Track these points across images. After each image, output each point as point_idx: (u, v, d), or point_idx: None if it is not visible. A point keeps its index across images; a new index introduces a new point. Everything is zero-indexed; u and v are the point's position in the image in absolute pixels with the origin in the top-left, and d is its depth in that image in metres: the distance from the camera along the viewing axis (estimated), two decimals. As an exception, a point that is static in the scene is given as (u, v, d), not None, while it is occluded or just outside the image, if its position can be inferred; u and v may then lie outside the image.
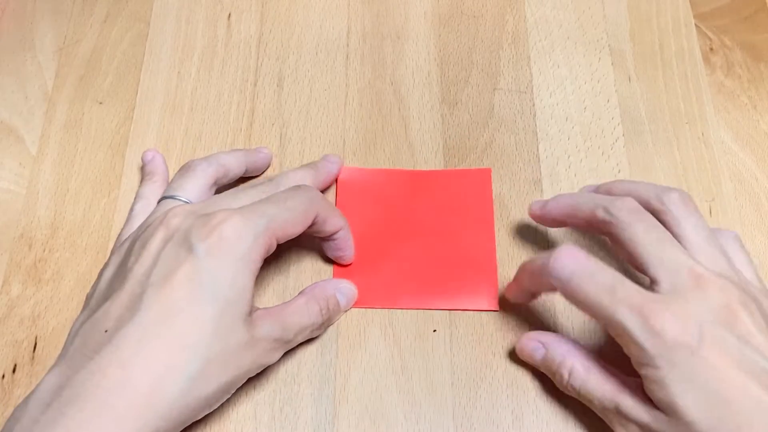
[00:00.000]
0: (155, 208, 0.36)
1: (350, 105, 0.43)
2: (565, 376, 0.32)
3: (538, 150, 0.42)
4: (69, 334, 0.31)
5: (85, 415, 0.27)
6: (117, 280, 0.31)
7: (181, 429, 0.29)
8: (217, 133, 0.42)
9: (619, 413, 0.30)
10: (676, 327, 0.27)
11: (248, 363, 0.31)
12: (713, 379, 0.27)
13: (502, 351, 0.36)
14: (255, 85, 0.44)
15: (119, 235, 0.37)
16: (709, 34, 0.46)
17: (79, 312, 0.37)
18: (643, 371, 0.28)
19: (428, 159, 0.41)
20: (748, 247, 0.39)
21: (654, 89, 0.44)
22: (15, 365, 0.36)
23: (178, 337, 0.28)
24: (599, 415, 0.32)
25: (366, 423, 0.34)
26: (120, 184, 0.41)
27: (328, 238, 0.36)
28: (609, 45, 0.45)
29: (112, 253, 0.34)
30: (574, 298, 0.30)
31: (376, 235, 0.39)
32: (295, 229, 0.33)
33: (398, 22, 0.46)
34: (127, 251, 0.32)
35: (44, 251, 0.39)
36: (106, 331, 0.29)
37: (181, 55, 0.45)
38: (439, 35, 0.46)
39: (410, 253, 0.38)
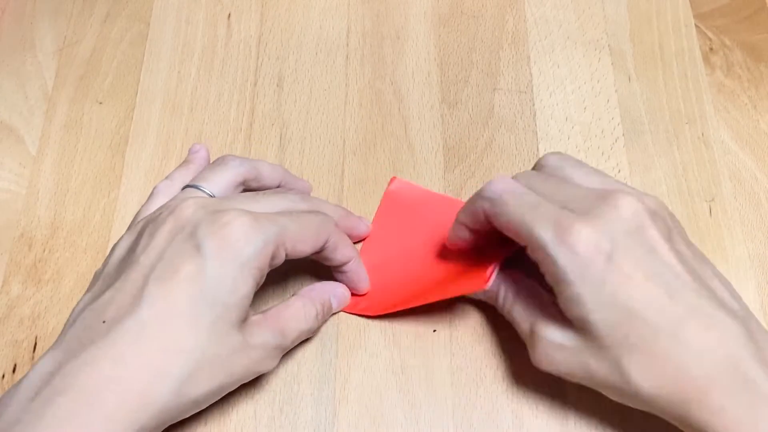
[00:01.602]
0: (176, 195, 0.35)
1: (350, 105, 0.43)
2: (500, 301, 0.34)
3: (538, 150, 0.42)
4: (71, 314, 0.31)
5: (75, 406, 0.26)
6: (124, 264, 0.31)
7: (165, 426, 0.29)
8: (217, 133, 0.42)
9: (533, 334, 0.31)
10: (590, 240, 0.28)
11: (241, 369, 0.30)
12: (623, 291, 0.27)
13: (502, 351, 0.36)
14: (255, 85, 0.44)
15: (139, 210, 0.36)
16: (709, 34, 0.46)
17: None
18: (557, 289, 0.29)
19: (428, 159, 0.41)
20: (748, 246, 0.39)
21: (654, 89, 0.44)
22: (15, 365, 0.36)
23: (174, 340, 0.28)
24: (523, 340, 0.33)
25: (366, 423, 0.34)
26: (120, 184, 0.41)
27: (338, 269, 0.36)
28: (609, 45, 0.45)
29: (128, 229, 0.34)
30: (500, 218, 0.30)
31: (399, 254, 0.38)
32: (305, 246, 0.32)
33: (398, 22, 0.46)
34: (138, 234, 0.32)
35: (44, 251, 0.39)
36: (104, 321, 0.28)
37: (181, 55, 0.45)
38: (439, 35, 0.46)
39: (417, 268, 0.38)
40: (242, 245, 0.29)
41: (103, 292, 0.30)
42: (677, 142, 0.42)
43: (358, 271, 0.36)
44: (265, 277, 0.31)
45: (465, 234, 0.34)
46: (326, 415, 0.35)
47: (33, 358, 0.36)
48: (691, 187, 0.40)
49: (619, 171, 0.41)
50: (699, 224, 0.39)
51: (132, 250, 0.31)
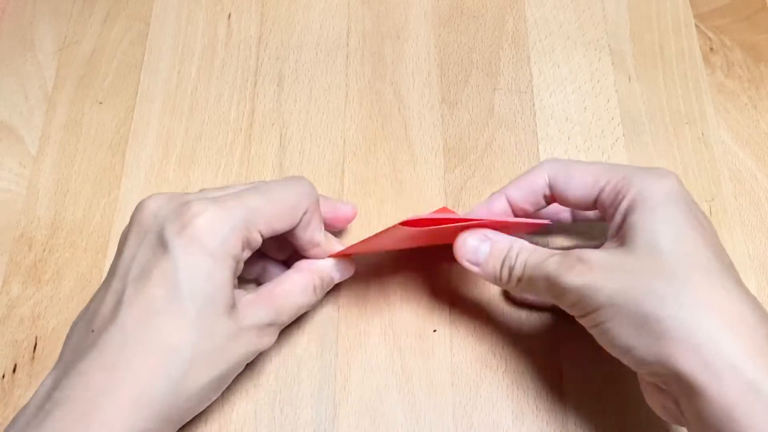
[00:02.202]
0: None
1: (350, 105, 0.43)
2: (513, 257, 0.32)
3: (538, 150, 0.42)
4: (69, 330, 0.31)
5: (72, 417, 0.26)
6: (109, 273, 0.31)
7: (179, 426, 0.29)
8: (217, 133, 0.42)
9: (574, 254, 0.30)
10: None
11: (239, 354, 0.30)
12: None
13: (502, 351, 0.36)
14: (255, 85, 0.44)
15: None
16: (709, 34, 0.46)
17: (78, 312, 0.37)
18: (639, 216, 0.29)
19: (428, 159, 0.41)
20: (748, 246, 0.39)
21: (654, 89, 0.44)
22: (15, 365, 0.36)
23: (159, 339, 0.28)
24: (552, 299, 0.31)
25: (366, 423, 0.34)
26: (120, 184, 0.41)
27: (304, 251, 0.34)
28: (609, 45, 0.45)
29: None
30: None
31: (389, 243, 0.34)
32: (282, 224, 0.31)
33: (398, 22, 0.46)
34: (119, 242, 0.32)
35: (44, 251, 0.39)
36: (92, 331, 0.29)
37: (181, 55, 0.45)
38: (439, 35, 0.46)
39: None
40: (209, 237, 0.29)
41: (91, 303, 0.30)
42: (677, 142, 0.42)
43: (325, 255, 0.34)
44: (243, 262, 0.31)
45: (503, 203, 0.34)
46: (326, 415, 0.34)
47: (33, 358, 0.36)
48: (691, 187, 0.40)
49: (619, 171, 0.41)
50: (699, 224, 0.39)
51: (115, 257, 0.31)
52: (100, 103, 0.43)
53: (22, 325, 0.37)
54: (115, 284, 0.29)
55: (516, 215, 0.35)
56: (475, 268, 0.33)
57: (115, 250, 0.38)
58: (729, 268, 0.29)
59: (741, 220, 0.40)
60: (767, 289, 0.38)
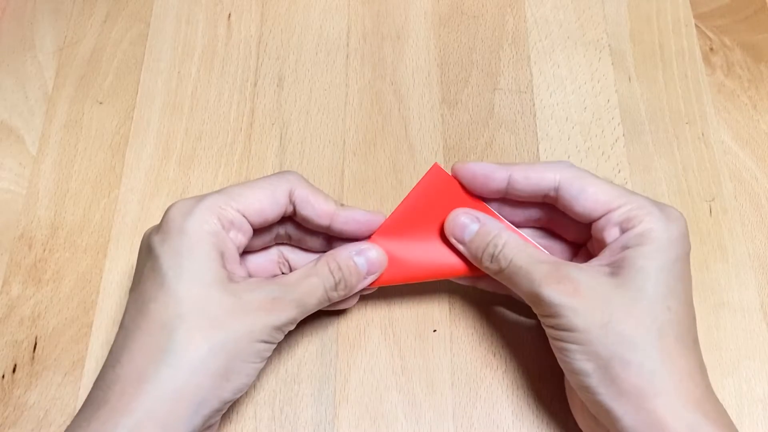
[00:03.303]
0: None
1: (350, 105, 0.43)
2: (499, 245, 0.32)
3: (538, 150, 0.42)
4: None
5: (84, 414, 0.28)
6: None
7: (204, 411, 0.28)
8: (217, 133, 0.42)
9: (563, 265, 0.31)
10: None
11: (244, 325, 0.29)
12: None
13: (502, 351, 0.36)
14: (255, 85, 0.44)
15: None
16: (709, 34, 0.46)
17: (78, 312, 0.37)
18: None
19: (428, 159, 0.41)
20: (748, 246, 0.39)
21: (654, 89, 0.44)
22: (15, 365, 0.36)
23: (150, 321, 0.28)
24: (524, 297, 0.31)
25: (366, 423, 0.34)
26: (120, 184, 0.41)
27: (328, 228, 0.33)
28: (609, 45, 0.45)
29: None
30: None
31: (418, 240, 0.34)
32: (261, 204, 0.31)
33: (398, 22, 0.46)
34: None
35: (44, 251, 0.39)
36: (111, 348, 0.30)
37: (181, 55, 0.45)
38: (439, 35, 0.46)
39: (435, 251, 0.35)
40: (181, 218, 0.30)
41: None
42: (677, 142, 0.42)
43: (354, 219, 0.33)
44: (237, 243, 0.31)
45: (503, 176, 0.33)
46: (326, 415, 0.35)
47: (33, 358, 0.36)
48: (691, 187, 0.40)
49: (619, 171, 0.41)
50: (699, 224, 0.39)
51: None
52: (100, 103, 0.43)
53: (22, 325, 0.37)
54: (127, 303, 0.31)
55: (504, 200, 0.34)
56: (460, 246, 0.33)
57: (116, 250, 0.39)
58: (693, 322, 0.30)
59: (741, 220, 0.40)
60: (767, 289, 0.38)
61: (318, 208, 0.32)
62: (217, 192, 0.31)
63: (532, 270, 0.30)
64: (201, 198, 0.31)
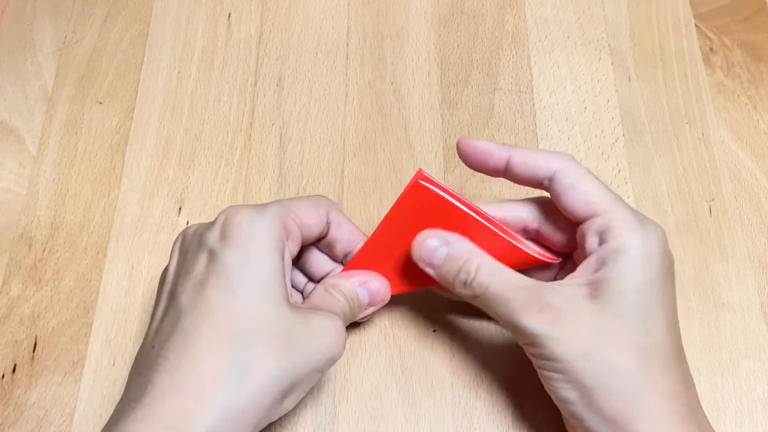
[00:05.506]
0: None
1: (350, 105, 0.43)
2: (472, 272, 0.30)
3: (538, 150, 0.42)
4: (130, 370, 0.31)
5: (136, 424, 0.26)
6: (156, 303, 0.31)
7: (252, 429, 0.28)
8: (217, 133, 0.42)
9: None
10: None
11: (314, 356, 0.29)
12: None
13: (502, 351, 0.36)
14: (255, 85, 0.44)
15: None
16: (709, 34, 0.46)
17: (78, 312, 0.37)
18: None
19: (428, 159, 0.41)
20: (748, 246, 0.39)
21: (654, 89, 0.44)
22: (15, 365, 0.36)
23: (219, 331, 0.27)
24: (502, 324, 0.31)
25: (366, 423, 0.34)
26: (120, 184, 0.41)
27: (344, 258, 0.34)
28: (609, 45, 0.45)
29: None
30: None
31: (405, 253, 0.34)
32: (311, 219, 0.32)
33: (398, 22, 0.46)
34: (160, 280, 0.32)
35: (44, 251, 0.39)
36: (153, 347, 0.28)
37: (181, 55, 0.45)
38: (439, 35, 0.46)
39: None
40: (248, 227, 0.29)
41: (147, 337, 0.30)
42: (677, 142, 0.42)
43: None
44: (291, 255, 0.31)
45: (502, 156, 0.32)
46: (326, 415, 0.35)
47: (33, 358, 0.36)
48: (691, 187, 0.40)
49: (619, 171, 0.41)
50: (699, 224, 0.39)
51: (159, 290, 0.32)
52: (100, 103, 0.43)
53: (22, 325, 0.37)
54: (165, 301, 0.30)
55: (506, 177, 0.33)
56: (429, 270, 0.32)
57: (116, 250, 0.39)
58: (676, 338, 0.30)
59: (741, 220, 0.40)
60: (767, 289, 0.38)
61: (348, 232, 0.33)
62: (275, 202, 0.31)
63: (510, 298, 0.29)
64: (264, 205, 0.30)
